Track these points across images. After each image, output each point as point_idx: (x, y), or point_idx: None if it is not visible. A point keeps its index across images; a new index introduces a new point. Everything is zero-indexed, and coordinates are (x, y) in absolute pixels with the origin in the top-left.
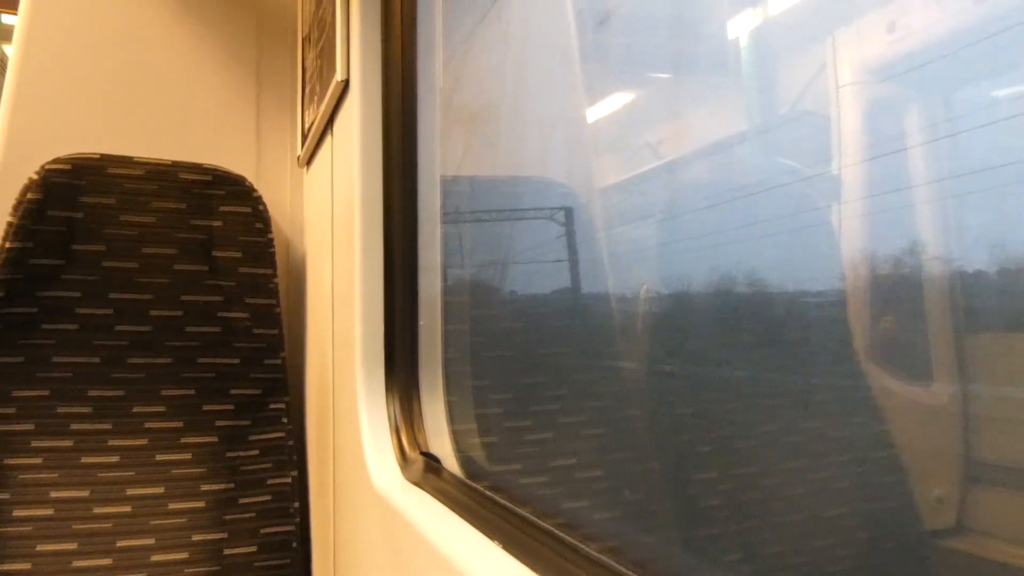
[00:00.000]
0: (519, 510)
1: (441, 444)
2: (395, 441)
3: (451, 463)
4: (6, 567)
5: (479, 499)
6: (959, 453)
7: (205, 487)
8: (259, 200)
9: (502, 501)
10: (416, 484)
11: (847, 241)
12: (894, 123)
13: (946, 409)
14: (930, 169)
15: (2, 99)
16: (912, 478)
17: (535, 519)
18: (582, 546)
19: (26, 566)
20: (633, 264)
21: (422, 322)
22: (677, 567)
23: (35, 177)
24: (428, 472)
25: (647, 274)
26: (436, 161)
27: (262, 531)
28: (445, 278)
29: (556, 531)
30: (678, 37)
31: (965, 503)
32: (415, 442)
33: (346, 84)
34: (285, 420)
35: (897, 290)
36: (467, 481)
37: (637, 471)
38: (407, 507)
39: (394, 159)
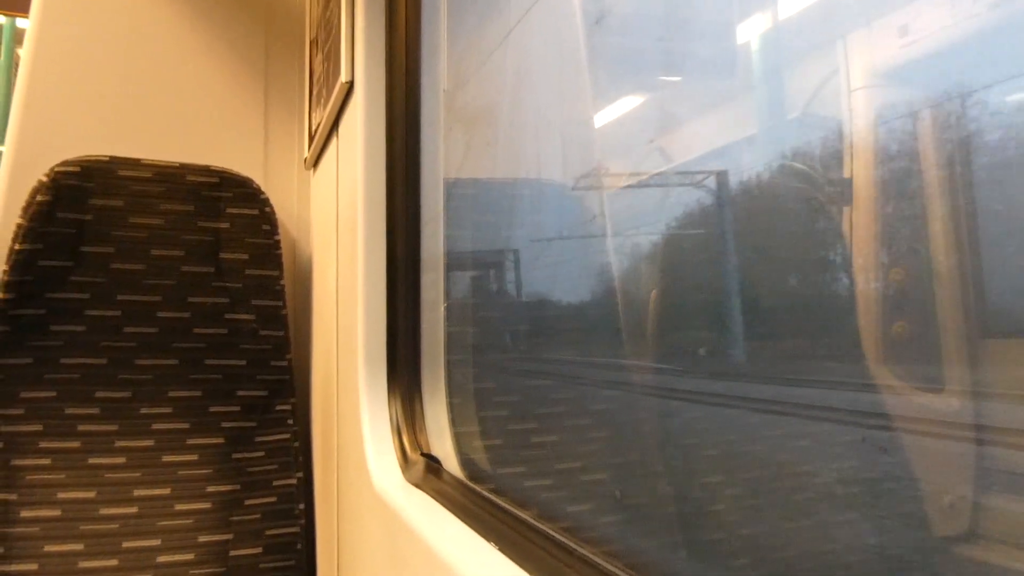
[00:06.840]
0: (517, 512)
1: (442, 445)
2: (396, 442)
3: (452, 464)
4: (13, 568)
5: (478, 501)
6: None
7: (211, 488)
8: (266, 202)
9: (500, 503)
10: (416, 485)
11: None
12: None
13: None
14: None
15: (13, 102)
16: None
17: (532, 521)
18: (577, 548)
19: (33, 567)
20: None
21: (424, 324)
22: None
23: (45, 179)
24: (428, 473)
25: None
26: (439, 163)
27: (267, 532)
28: (448, 279)
29: (552, 533)
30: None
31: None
32: (416, 443)
33: (351, 86)
34: (291, 422)
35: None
36: (467, 483)
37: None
38: (407, 508)
39: (398, 160)
